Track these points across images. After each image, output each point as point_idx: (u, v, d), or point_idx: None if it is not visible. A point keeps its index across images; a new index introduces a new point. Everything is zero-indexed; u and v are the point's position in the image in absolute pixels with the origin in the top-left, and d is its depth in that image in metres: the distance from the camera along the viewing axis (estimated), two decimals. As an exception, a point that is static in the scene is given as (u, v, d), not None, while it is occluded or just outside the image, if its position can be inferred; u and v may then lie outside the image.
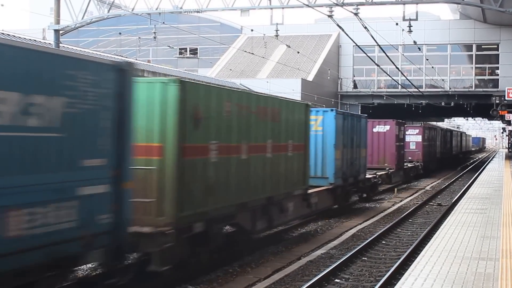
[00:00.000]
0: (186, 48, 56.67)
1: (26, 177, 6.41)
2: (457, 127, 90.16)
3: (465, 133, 77.47)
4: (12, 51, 6.33)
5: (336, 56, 48.74)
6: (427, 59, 42.53)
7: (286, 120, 13.27)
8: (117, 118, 7.76)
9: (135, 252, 9.18)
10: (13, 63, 6.27)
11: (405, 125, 33.47)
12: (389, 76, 36.61)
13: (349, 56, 48.48)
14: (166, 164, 9.10)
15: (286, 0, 23.24)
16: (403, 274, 7.92)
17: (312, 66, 44.44)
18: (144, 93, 9.15)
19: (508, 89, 33.35)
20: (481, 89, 45.92)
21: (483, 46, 46.54)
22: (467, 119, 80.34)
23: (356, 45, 25.22)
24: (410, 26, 25.91)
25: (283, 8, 23.99)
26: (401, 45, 39.28)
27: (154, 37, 28.14)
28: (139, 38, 43.85)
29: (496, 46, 45.89)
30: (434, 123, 60.34)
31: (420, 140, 34.89)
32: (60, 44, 23.69)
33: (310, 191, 15.18)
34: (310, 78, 43.01)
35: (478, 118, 74.10)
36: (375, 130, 27.28)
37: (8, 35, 25.15)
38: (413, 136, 34.78)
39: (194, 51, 56.40)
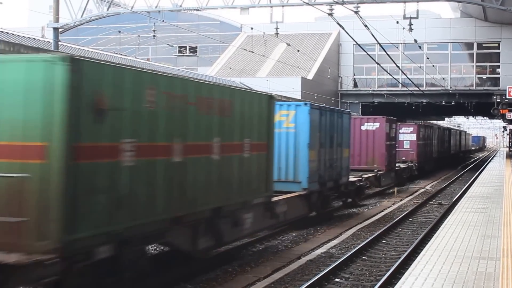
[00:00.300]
0: (186, 47, 56.64)
1: None
2: (458, 126, 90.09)
3: (464, 131, 76.38)
4: None
5: (336, 54, 48.68)
6: (428, 58, 42.47)
7: (242, 114, 11.00)
8: None
9: None
10: None
11: (399, 123, 31.83)
12: (390, 74, 36.53)
13: (349, 54, 48.43)
14: (51, 169, 6.86)
15: (286, -2, 23.16)
16: (404, 273, 7.85)
17: (312, 64, 44.38)
18: (18, 75, 7.10)
19: (509, 87, 33.28)
20: (482, 88, 45.88)
21: (484, 45, 46.49)
22: (467, 118, 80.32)
23: (357, 43, 25.13)
24: (410, 24, 25.86)
25: (283, 6, 23.92)
26: (401, 43, 39.24)
27: (154, 35, 28.08)
28: (139, 36, 43.80)
29: (497, 45, 45.84)
30: (435, 121, 60.29)
31: (415, 139, 33.07)
32: (60, 43, 23.63)
33: (276, 198, 12.83)
34: (310, 76, 42.96)
35: (479, 117, 74.09)
36: (363, 127, 24.83)
37: (7, 33, 25.07)
38: (407, 135, 32.92)
39: (193, 50, 56.37)
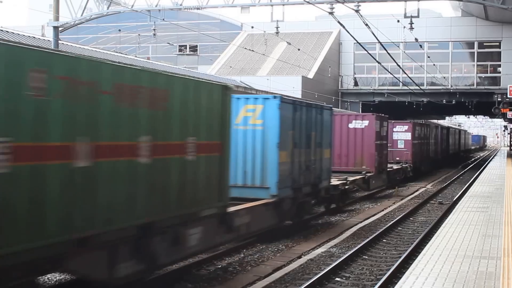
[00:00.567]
0: (186, 45, 56.61)
1: None
2: (459, 125, 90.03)
3: (464, 130, 75.68)
4: None
5: (337, 53, 48.67)
6: (429, 57, 42.46)
7: (184, 107, 8.97)
8: None
9: None
10: None
11: (393, 121, 30.28)
12: (390, 73, 36.51)
13: (350, 53, 48.42)
14: None
15: (287, -4, 23.14)
16: (404, 272, 7.83)
17: (313, 63, 44.39)
18: None
19: (510, 86, 33.21)
20: (482, 87, 45.89)
21: (485, 44, 46.48)
22: (468, 117, 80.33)
23: (357, 42, 25.06)
24: (411, 23, 25.80)
25: (283, 5, 23.89)
26: (402, 42, 39.21)
27: (154, 34, 28.07)
28: (139, 35, 43.81)
29: (498, 44, 45.83)
30: (435, 120, 60.23)
31: (410, 138, 31.13)
32: (60, 41, 23.60)
33: (233, 208, 11.02)
34: (310, 75, 42.96)
35: (479, 116, 74.09)
36: (351, 125, 22.77)
37: (7, 31, 25.06)
38: (401, 134, 31.01)
39: (194, 48, 56.35)
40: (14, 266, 6.27)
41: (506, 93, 34.44)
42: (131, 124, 7.86)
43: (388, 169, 25.73)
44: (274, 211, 13.16)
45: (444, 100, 46.33)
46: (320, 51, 46.34)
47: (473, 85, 46.72)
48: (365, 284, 10.39)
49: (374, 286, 9.87)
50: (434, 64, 43.08)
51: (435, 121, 59.00)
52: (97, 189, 7.25)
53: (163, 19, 24.05)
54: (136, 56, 37.66)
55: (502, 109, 37.36)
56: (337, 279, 10.59)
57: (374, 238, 14.17)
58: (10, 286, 6.47)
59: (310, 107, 15.15)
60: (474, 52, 46.88)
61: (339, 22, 20.68)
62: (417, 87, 40.53)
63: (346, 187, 19.01)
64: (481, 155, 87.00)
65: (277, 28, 26.95)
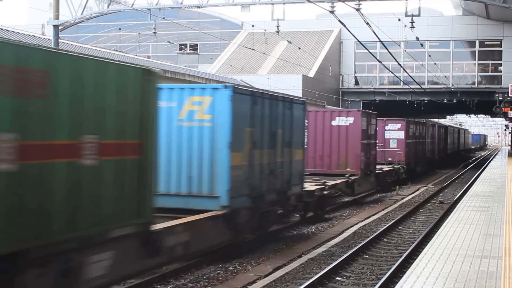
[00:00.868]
0: (186, 44, 56.56)
1: None
2: (460, 124, 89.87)
3: (464, 129, 74.84)
4: None
5: (338, 52, 48.62)
6: (430, 56, 42.41)
7: (77, 96, 6.81)
8: None
9: None
10: None
11: (385, 119, 28.92)
12: (391, 72, 36.47)
13: (351, 52, 48.36)
14: None
15: (287, -5, 23.06)
16: (405, 272, 7.79)
17: (313, 62, 44.35)
18: None
19: (511, 85, 33.17)
20: (484, 86, 45.83)
21: (486, 43, 46.41)
22: (469, 116, 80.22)
23: (358, 41, 25.06)
24: (412, 22, 25.75)
25: (284, 3, 23.81)
26: (403, 41, 39.11)
27: (154, 33, 28.03)
28: (139, 33, 43.77)
29: (499, 43, 45.76)
30: (436, 120, 60.16)
31: (403, 137, 29.02)
32: (60, 40, 23.57)
33: (162, 225, 8.81)
34: (311, 74, 42.92)
35: (480, 115, 74.00)
36: (334, 123, 20.56)
37: (7, 30, 25.03)
38: (394, 132, 28.93)
39: (194, 47, 56.31)
40: None
41: (507, 92, 34.37)
42: None
43: (377, 171, 23.51)
44: (225, 224, 10.84)
45: (445, 99, 46.26)
46: (321, 50, 46.30)
47: (474, 84, 46.67)
48: (365, 283, 10.36)
49: (374, 286, 9.84)
50: (435, 63, 43.02)
51: (436, 120, 58.92)
52: None
53: (164, 18, 24.01)
54: (136, 55, 37.63)
55: (503, 108, 37.29)
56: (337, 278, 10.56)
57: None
58: None
59: (275, 100, 12.87)
60: (475, 51, 46.82)
61: (340, 20, 20.64)
62: (418, 86, 40.47)
63: (325, 192, 16.79)
64: (482, 154, 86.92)
65: (277, 26, 26.89)
